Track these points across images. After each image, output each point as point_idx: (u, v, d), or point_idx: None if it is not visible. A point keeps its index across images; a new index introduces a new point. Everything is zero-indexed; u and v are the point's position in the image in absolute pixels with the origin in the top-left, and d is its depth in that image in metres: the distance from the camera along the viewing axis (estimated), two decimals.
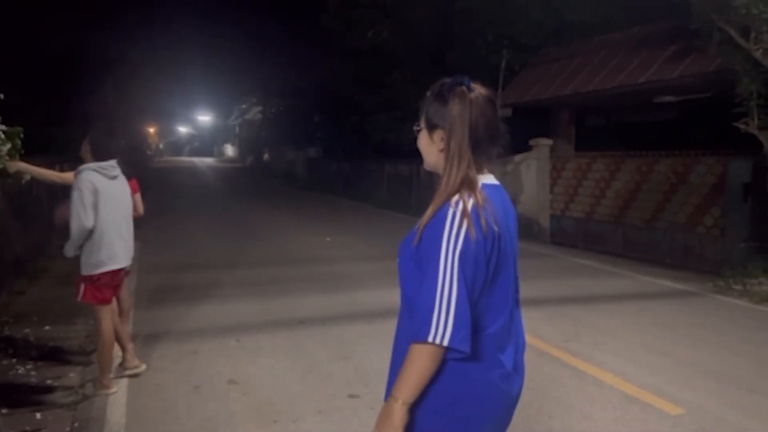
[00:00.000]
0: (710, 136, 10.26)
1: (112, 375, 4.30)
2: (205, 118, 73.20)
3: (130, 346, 4.58)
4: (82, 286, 4.12)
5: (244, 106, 51.99)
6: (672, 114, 12.11)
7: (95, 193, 3.98)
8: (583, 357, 4.85)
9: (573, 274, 8.40)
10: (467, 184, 1.58)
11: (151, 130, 52.53)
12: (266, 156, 40.78)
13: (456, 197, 1.57)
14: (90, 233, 4.00)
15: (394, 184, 19.52)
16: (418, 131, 1.73)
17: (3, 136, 4.35)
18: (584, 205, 12.23)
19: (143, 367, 4.52)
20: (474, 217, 1.53)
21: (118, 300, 4.62)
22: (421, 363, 1.51)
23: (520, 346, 1.75)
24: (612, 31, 12.26)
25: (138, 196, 5.10)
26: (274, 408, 3.93)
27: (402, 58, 18.55)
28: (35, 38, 17.46)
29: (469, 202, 1.55)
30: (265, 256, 9.54)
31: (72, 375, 4.56)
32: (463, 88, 1.62)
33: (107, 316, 4.20)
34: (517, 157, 13.18)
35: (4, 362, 4.83)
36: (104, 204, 4.02)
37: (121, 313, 4.70)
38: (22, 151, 4.70)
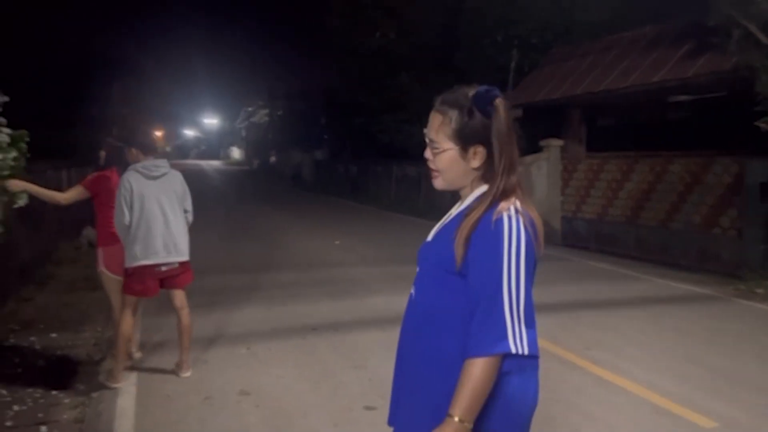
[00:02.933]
0: (725, 136, 10.08)
1: (122, 369, 4.35)
2: (211, 121, 73.34)
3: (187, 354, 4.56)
4: (125, 279, 4.36)
5: (250, 108, 52.01)
6: (685, 113, 11.92)
7: (131, 192, 4.20)
8: (606, 365, 4.70)
9: (588, 278, 8.23)
10: (512, 193, 1.55)
11: (158, 133, 52.64)
12: (273, 158, 40.74)
13: (503, 204, 1.51)
14: (128, 229, 4.23)
15: (402, 185, 19.38)
16: (439, 152, 1.60)
17: (9, 140, 4.24)
18: (596, 207, 12.05)
19: (119, 385, 4.37)
20: (527, 220, 1.51)
21: (176, 306, 4.53)
22: (487, 378, 1.43)
23: None
24: (623, 30, 12.10)
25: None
26: (288, 420, 3.80)
27: (408, 59, 18.43)
28: (43, 43, 17.44)
29: (518, 205, 1.52)
30: (274, 260, 9.41)
31: (79, 386, 4.43)
32: (500, 98, 1.56)
33: (128, 310, 4.32)
34: (528, 159, 13.01)
35: (9, 372, 4.70)
36: (138, 202, 4.21)
37: (180, 319, 4.55)
38: (28, 155, 4.59)
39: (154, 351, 5.08)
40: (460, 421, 1.43)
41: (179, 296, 4.53)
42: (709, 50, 9.04)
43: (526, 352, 1.44)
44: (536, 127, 13.72)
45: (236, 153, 65.31)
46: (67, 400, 4.18)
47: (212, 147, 76.17)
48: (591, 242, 11.90)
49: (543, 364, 4.44)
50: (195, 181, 32.72)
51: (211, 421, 3.81)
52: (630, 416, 3.82)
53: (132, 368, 4.66)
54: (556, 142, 12.86)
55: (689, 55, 9.51)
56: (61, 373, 4.70)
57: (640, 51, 10.84)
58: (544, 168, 12.88)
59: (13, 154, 4.19)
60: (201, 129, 77.94)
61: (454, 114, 1.57)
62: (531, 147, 13.10)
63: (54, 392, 4.31)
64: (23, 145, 4.44)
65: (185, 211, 4.54)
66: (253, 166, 47.62)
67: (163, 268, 4.34)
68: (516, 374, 1.50)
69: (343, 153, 26.57)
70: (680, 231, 10.17)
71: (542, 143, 12.97)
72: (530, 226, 1.51)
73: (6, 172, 4.22)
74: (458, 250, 1.51)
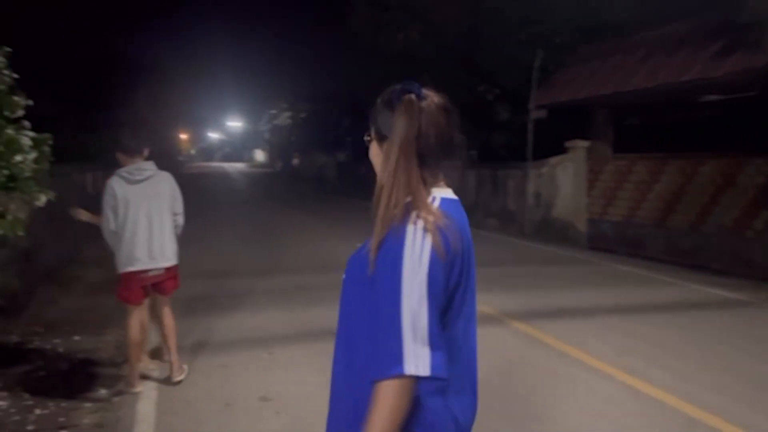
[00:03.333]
0: (758, 136, 9.79)
1: (137, 374, 4.32)
2: (235, 124, 73.92)
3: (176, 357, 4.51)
4: (118, 285, 4.34)
5: (273, 111, 52.23)
6: (716, 113, 11.62)
7: (114, 197, 4.16)
8: (638, 374, 4.53)
9: (616, 282, 8.03)
10: (419, 199, 1.42)
11: (184, 136, 53.21)
12: (296, 161, 40.87)
13: (413, 215, 1.40)
14: (115, 234, 4.21)
15: None
16: (369, 142, 1.60)
17: (31, 143, 4.23)
18: (623, 209, 11.81)
19: (138, 390, 4.34)
20: (439, 236, 1.38)
21: (159, 311, 4.50)
22: (396, 401, 1.32)
23: (473, 368, 1.56)
24: (649, 28, 11.84)
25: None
26: (310, 428, 3.71)
27: (431, 61, 18.29)
28: (67, 46, 17.66)
29: (429, 221, 1.38)
30: (295, 262, 9.36)
31: (101, 390, 4.40)
32: (412, 95, 1.48)
33: (133, 315, 4.28)
34: (553, 160, 12.83)
35: (34, 375, 4.70)
36: (122, 208, 4.16)
37: (161, 324, 4.54)
38: (52, 159, 4.59)
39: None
40: None
41: (164, 301, 4.46)
42: (740, 48, 8.79)
43: (427, 374, 1.32)
44: (561, 127, 13.52)
45: (260, 155, 65.74)
46: (88, 405, 4.15)
47: (236, 149, 76.83)
48: (618, 245, 11.66)
49: (572, 371, 4.30)
50: (219, 183, 33.00)
51: (231, 427, 3.74)
52: (664, 428, 3.67)
53: (147, 374, 4.63)
54: (582, 143, 12.64)
55: (720, 53, 9.25)
56: (83, 376, 4.68)
57: (668, 50, 10.59)
58: (569, 169, 12.68)
59: (34, 155, 4.17)
60: (225, 132, 78.66)
61: (378, 107, 1.56)
62: (556, 148, 12.91)
63: (76, 396, 4.29)
64: (46, 149, 4.43)
65: (175, 214, 4.40)
66: (277, 169, 47.86)
67: (150, 274, 4.25)
68: (435, 396, 1.38)
69: (366, 155, 26.46)
70: (711, 234, 9.91)
71: (568, 144, 12.76)
72: (450, 237, 1.40)
73: (27, 174, 4.21)
74: (370, 265, 1.42)
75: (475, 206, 14.85)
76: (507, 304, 6.59)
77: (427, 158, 1.48)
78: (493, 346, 5.18)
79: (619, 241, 11.77)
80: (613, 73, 11.46)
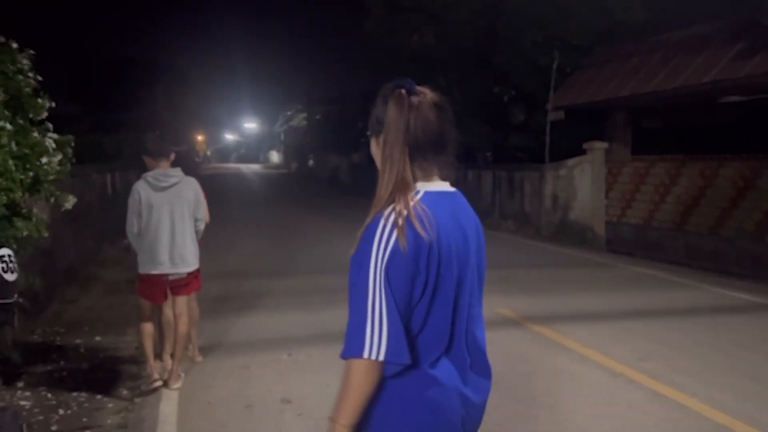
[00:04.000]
0: None
1: (153, 365, 4.40)
2: (251, 125, 74.22)
3: (167, 361, 4.52)
4: (138, 282, 4.44)
5: (289, 112, 52.45)
6: (737, 115, 11.49)
7: (139, 202, 4.23)
8: (661, 379, 4.47)
9: (637, 285, 7.94)
10: (401, 193, 1.49)
11: (200, 137, 53.54)
12: (311, 162, 40.95)
13: (389, 209, 1.48)
14: (137, 237, 4.30)
15: None
16: (369, 137, 1.66)
17: (54, 146, 4.27)
18: (642, 212, 11.72)
19: (158, 383, 4.37)
20: (406, 228, 1.44)
21: (174, 313, 4.49)
22: (358, 380, 1.44)
23: (474, 362, 1.61)
24: (668, 30, 11.72)
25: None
26: None
27: (446, 62, 18.24)
28: (85, 47, 17.85)
29: (401, 214, 1.46)
30: (313, 263, 9.37)
31: (123, 390, 4.42)
32: (402, 91, 1.54)
33: (146, 309, 4.42)
34: (571, 162, 12.75)
35: (56, 375, 4.74)
36: (146, 213, 4.23)
37: (176, 326, 4.51)
38: (73, 160, 4.63)
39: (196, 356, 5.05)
40: (334, 422, 1.46)
41: (180, 303, 4.45)
42: (763, 49, 8.68)
43: (381, 358, 1.42)
44: (579, 129, 13.43)
45: (275, 157, 65.93)
46: (110, 405, 4.18)
47: (252, 151, 77.09)
48: (637, 248, 11.57)
49: (594, 376, 4.25)
50: (235, 184, 33.15)
51: (253, 430, 3.74)
52: None
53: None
54: (600, 145, 12.56)
55: (742, 54, 9.14)
56: (105, 376, 4.71)
57: (688, 51, 10.48)
58: (587, 171, 12.59)
59: (59, 157, 4.21)
60: (241, 133, 79.00)
61: (376, 102, 1.61)
62: (574, 149, 12.83)
63: (98, 396, 4.32)
64: (69, 150, 4.48)
65: (196, 220, 4.42)
66: (292, 170, 47.97)
67: (170, 278, 4.32)
68: (398, 379, 1.48)
69: None
70: (732, 237, 9.80)
71: (586, 146, 12.69)
72: (423, 231, 1.45)
73: (52, 176, 4.26)
74: (351, 253, 1.53)
75: (491, 208, 14.78)
76: (527, 307, 6.54)
77: (416, 153, 1.52)
78: (515, 350, 5.15)
79: (637, 244, 11.67)
80: (633, 74, 11.37)
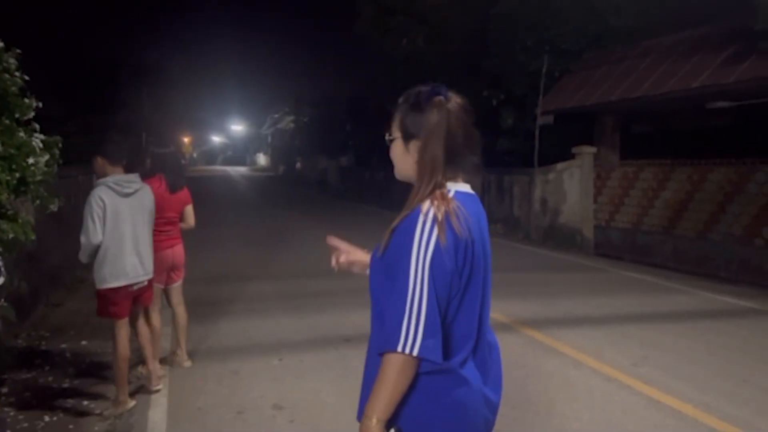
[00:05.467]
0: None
1: (126, 391, 4.11)
2: (238, 127, 73.86)
3: (154, 366, 4.41)
4: (97, 300, 4.11)
5: (276, 115, 52.25)
6: (725, 120, 11.57)
7: (103, 208, 3.96)
8: (656, 384, 4.45)
9: (627, 289, 7.95)
10: (437, 191, 1.55)
11: (186, 139, 53.16)
12: (299, 165, 40.83)
13: (426, 204, 1.52)
14: (97, 248, 3.99)
15: None
16: (391, 141, 1.69)
17: (42, 146, 4.18)
18: (631, 216, 11.75)
19: (159, 386, 4.33)
20: (445, 225, 1.49)
21: (146, 316, 4.45)
22: (393, 376, 1.47)
23: (489, 361, 1.66)
24: (657, 35, 11.78)
25: (190, 207, 4.98)
26: None
27: (436, 66, 18.24)
28: (72, 48, 17.67)
29: (440, 210, 1.50)
30: (303, 267, 9.29)
31: (110, 396, 4.32)
32: (441, 97, 1.61)
33: (121, 331, 4.08)
34: (560, 166, 12.76)
35: (41, 381, 4.64)
36: (111, 221, 3.98)
37: (151, 329, 4.50)
38: (60, 161, 4.54)
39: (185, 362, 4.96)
40: (368, 417, 1.47)
41: (141, 311, 4.40)
42: (752, 55, 8.74)
43: (414, 354, 1.44)
44: (568, 133, 13.45)
45: (262, 159, 65.67)
46: (98, 411, 4.08)
47: (238, 153, 76.71)
48: (625, 252, 11.60)
49: (588, 381, 4.22)
50: (222, 186, 32.95)
51: None
52: None
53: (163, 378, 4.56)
54: (589, 149, 12.59)
55: (731, 60, 9.20)
56: (92, 382, 4.61)
57: (678, 56, 10.54)
58: (576, 175, 12.62)
59: (46, 158, 4.12)
60: (227, 135, 78.59)
61: (404, 107, 1.65)
62: (563, 154, 12.85)
63: (85, 402, 4.22)
64: (56, 151, 4.38)
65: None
66: (279, 172, 47.79)
67: (135, 287, 4.14)
68: (429, 377, 1.50)
69: (369, 159, 26.45)
70: (720, 242, 9.83)
71: (575, 150, 12.71)
72: (462, 228, 1.50)
73: (39, 177, 4.16)
74: (380, 252, 1.57)
75: None
76: (519, 311, 6.51)
77: (453, 155, 1.59)
78: (508, 355, 5.07)
79: (626, 248, 11.70)
80: (622, 79, 11.41)
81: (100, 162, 4.10)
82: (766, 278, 8.84)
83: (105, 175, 4.07)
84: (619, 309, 6.80)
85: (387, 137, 1.70)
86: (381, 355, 1.49)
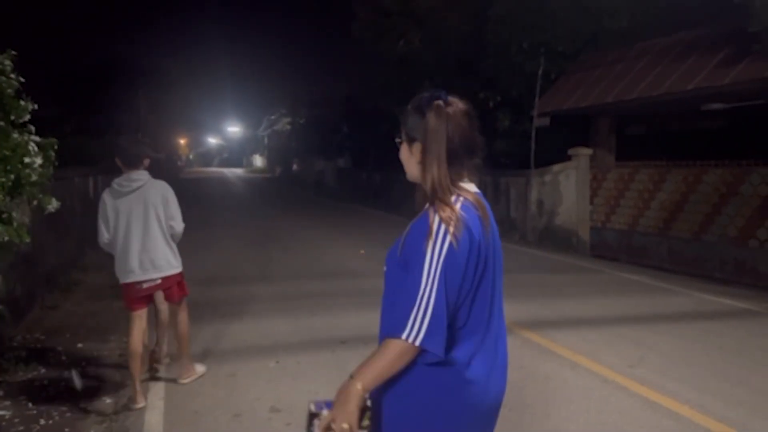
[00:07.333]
0: (763, 145, 9.76)
1: (139, 389, 4.19)
2: (234, 129, 73.76)
3: (182, 361, 4.57)
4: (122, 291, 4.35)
5: (273, 116, 52.19)
6: (720, 122, 11.61)
7: (106, 209, 4.15)
8: (652, 385, 4.46)
9: (623, 291, 7.96)
10: (445, 194, 1.64)
11: (182, 141, 53.09)
12: (295, 166, 40.79)
13: (437, 206, 1.62)
14: (111, 246, 4.21)
15: None
16: (399, 143, 1.79)
17: (36, 149, 4.17)
18: (626, 217, 11.78)
19: (141, 405, 4.24)
20: (456, 225, 1.58)
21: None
22: (390, 356, 1.56)
23: (498, 358, 1.75)
24: (653, 37, 11.81)
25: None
26: None
27: (433, 67, 18.25)
28: (68, 49, 17.63)
29: (449, 211, 1.60)
30: (299, 269, 9.28)
31: (106, 399, 4.32)
32: (440, 102, 1.68)
33: (135, 324, 4.25)
34: (556, 167, 12.78)
35: (37, 383, 4.62)
36: (113, 220, 4.15)
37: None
38: (56, 163, 4.52)
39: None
40: (355, 381, 1.58)
41: (173, 309, 4.49)
42: (747, 57, 8.76)
43: (417, 343, 1.54)
44: (564, 135, 13.48)
45: (258, 161, 65.60)
46: (93, 415, 4.07)
47: (235, 155, 76.64)
48: (621, 253, 11.62)
49: (585, 383, 4.22)
50: (218, 188, 32.90)
51: None
52: None
53: (157, 380, 4.55)
54: (585, 151, 12.61)
55: (726, 62, 9.23)
56: (88, 384, 4.59)
57: (673, 58, 10.57)
58: (572, 177, 12.64)
59: (40, 160, 4.11)
60: (224, 137, 78.48)
61: (407, 112, 1.75)
62: (559, 155, 12.87)
63: (80, 405, 4.21)
64: (51, 153, 4.37)
65: (169, 221, 4.28)
66: (276, 174, 47.75)
67: (144, 286, 4.19)
68: (436, 369, 1.61)
69: (365, 161, 26.43)
70: (715, 243, 9.86)
71: (570, 152, 12.73)
72: (471, 229, 1.60)
73: (33, 178, 4.14)
74: (399, 250, 1.67)
75: None
76: (515, 312, 6.51)
77: (453, 158, 1.67)
78: None
79: (622, 250, 11.72)
80: (618, 81, 11.43)
81: (119, 164, 4.25)
82: (761, 279, 8.87)
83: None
84: (616, 310, 6.81)
85: (396, 140, 1.80)
86: (386, 337, 1.59)
